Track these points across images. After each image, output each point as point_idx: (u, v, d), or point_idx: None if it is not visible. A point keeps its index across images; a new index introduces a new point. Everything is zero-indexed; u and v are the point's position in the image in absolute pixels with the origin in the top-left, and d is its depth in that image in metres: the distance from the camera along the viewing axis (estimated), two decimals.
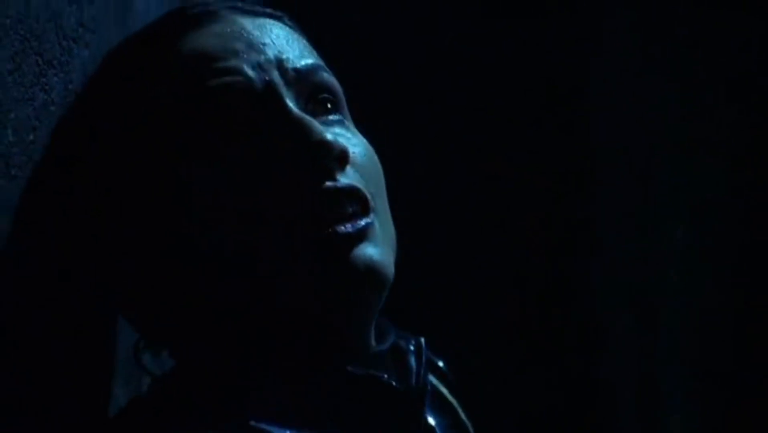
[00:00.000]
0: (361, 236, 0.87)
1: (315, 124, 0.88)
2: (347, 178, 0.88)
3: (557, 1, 2.03)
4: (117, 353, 1.01)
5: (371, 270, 0.87)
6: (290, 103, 0.89)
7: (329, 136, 0.87)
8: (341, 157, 0.88)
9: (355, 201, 0.88)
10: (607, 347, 2.00)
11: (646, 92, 2.04)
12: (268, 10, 0.97)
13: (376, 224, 0.89)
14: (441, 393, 1.01)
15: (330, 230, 0.86)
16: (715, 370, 2.01)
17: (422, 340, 0.96)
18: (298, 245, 0.86)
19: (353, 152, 0.91)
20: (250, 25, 0.93)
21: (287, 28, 0.96)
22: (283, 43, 0.93)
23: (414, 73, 2.05)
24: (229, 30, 0.92)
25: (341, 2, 2.06)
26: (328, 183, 0.87)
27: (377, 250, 0.88)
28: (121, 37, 0.97)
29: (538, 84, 2.04)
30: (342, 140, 0.90)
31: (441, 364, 1.03)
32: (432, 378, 0.99)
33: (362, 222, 0.88)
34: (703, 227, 2.03)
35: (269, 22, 0.95)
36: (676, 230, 2.03)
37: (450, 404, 1.01)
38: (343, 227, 0.86)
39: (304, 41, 0.96)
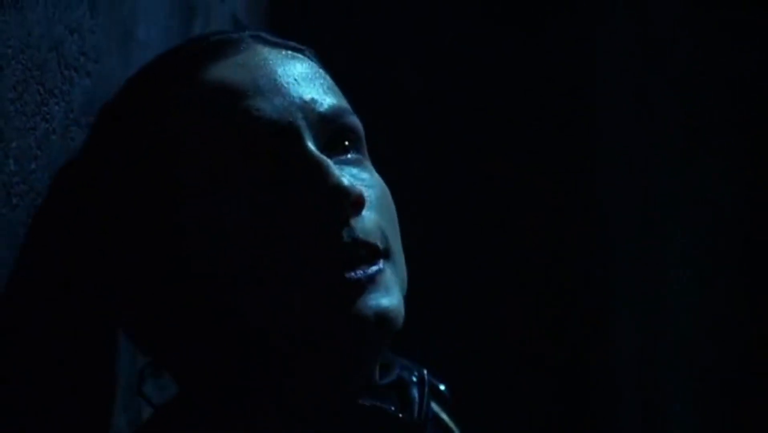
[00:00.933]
0: (372, 281, 0.86)
1: (332, 168, 0.86)
2: (362, 222, 0.88)
3: (558, 1, 2.03)
4: (118, 380, 1.02)
5: (381, 318, 0.86)
6: (310, 144, 0.88)
7: (345, 182, 0.86)
8: (357, 203, 0.87)
9: (368, 247, 0.87)
10: (607, 348, 2.01)
11: (646, 92, 2.04)
12: (291, 43, 0.95)
13: (388, 269, 0.88)
14: (442, 420, 1.01)
15: (340, 277, 0.85)
16: (716, 371, 2.02)
17: (425, 371, 0.96)
18: (307, 289, 0.85)
19: (368, 194, 0.90)
20: (273, 59, 0.91)
21: (309, 63, 0.94)
22: (307, 82, 0.91)
23: (414, 73, 2.04)
24: (253, 63, 0.90)
25: (341, 2, 2.05)
26: (344, 231, 0.86)
27: (388, 297, 0.87)
28: (123, 66, 0.97)
29: (538, 84, 2.04)
30: (358, 183, 0.89)
31: (442, 388, 1.03)
32: (433, 405, 0.99)
33: (373, 268, 0.87)
34: (703, 227, 2.04)
35: (293, 56, 0.93)
36: (676, 231, 2.03)
37: (451, 430, 1.02)
38: (353, 273, 0.85)
39: (327, 77, 0.95)
